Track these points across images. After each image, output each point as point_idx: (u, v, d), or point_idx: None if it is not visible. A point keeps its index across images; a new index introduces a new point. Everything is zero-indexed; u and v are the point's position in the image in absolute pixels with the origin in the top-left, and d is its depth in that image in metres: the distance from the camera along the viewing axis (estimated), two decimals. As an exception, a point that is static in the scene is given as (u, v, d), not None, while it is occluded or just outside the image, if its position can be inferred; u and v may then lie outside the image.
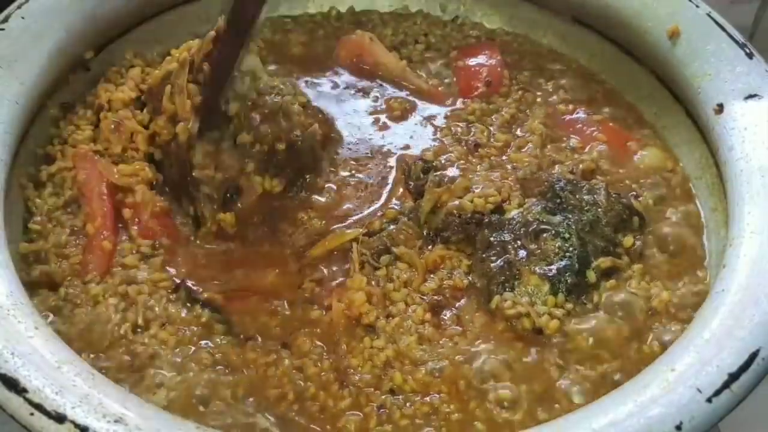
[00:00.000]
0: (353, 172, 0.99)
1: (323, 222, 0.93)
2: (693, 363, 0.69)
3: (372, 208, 0.95)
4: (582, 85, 1.09)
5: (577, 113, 1.05)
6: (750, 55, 0.93)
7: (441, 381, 0.79)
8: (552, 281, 0.83)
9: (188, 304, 0.84)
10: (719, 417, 0.67)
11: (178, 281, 0.86)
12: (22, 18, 0.94)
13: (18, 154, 0.89)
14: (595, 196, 0.89)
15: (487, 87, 1.07)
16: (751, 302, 0.73)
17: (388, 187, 0.97)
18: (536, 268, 0.84)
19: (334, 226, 0.93)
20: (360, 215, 0.94)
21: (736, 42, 0.95)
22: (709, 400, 0.67)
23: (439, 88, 1.09)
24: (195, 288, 0.85)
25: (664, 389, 0.68)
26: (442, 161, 0.98)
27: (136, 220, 0.91)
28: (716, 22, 0.97)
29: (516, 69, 1.11)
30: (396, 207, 0.94)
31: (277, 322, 0.84)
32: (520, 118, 1.04)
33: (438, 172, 0.94)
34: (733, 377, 0.68)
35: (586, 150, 1.00)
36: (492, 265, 0.85)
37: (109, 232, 0.89)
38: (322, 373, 0.79)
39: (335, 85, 1.10)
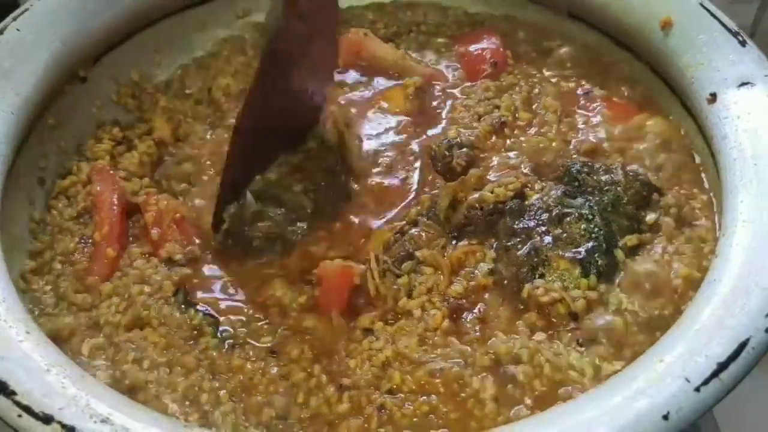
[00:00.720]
0: (379, 168, 0.98)
1: (362, 222, 0.93)
2: (682, 353, 0.69)
3: (408, 199, 0.94)
4: (583, 60, 1.08)
5: (582, 89, 1.04)
6: (743, 43, 0.92)
7: (441, 381, 0.78)
8: (582, 264, 0.82)
9: (182, 307, 0.85)
10: (707, 406, 0.66)
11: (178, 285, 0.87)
12: (18, 30, 0.95)
13: (15, 165, 0.91)
14: (612, 175, 0.89)
15: (493, 68, 1.07)
16: (742, 291, 0.72)
17: (417, 174, 0.97)
18: (564, 253, 0.83)
19: (375, 224, 0.92)
20: (396, 209, 0.94)
21: (729, 30, 0.94)
22: (697, 390, 0.66)
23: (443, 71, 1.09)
24: (191, 292, 0.86)
25: (652, 380, 0.67)
26: (468, 137, 0.96)
27: (156, 225, 0.92)
28: (709, 11, 0.96)
29: (516, 49, 1.10)
30: (429, 193, 0.93)
31: (267, 330, 0.84)
32: (533, 96, 1.04)
33: (464, 149, 0.93)
34: (722, 366, 0.67)
35: (594, 125, 0.99)
36: (518, 253, 0.84)
37: (114, 241, 0.90)
38: (312, 379, 0.79)
39: (340, 85, 1.09)
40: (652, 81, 1.01)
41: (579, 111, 1.02)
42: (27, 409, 0.65)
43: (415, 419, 0.76)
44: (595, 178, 0.89)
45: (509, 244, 0.86)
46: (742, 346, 0.68)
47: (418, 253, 0.87)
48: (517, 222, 0.87)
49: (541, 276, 0.83)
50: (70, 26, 0.99)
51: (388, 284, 0.85)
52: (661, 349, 0.71)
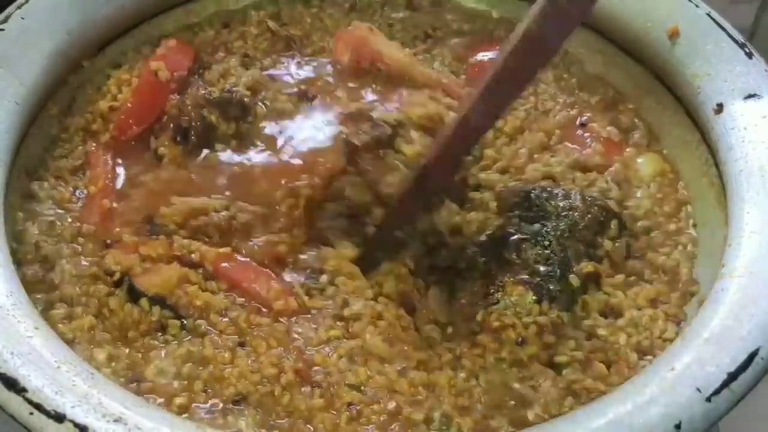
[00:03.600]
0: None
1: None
2: (692, 362, 0.70)
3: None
4: (589, 81, 1.07)
5: (581, 119, 1.02)
6: (749, 55, 0.93)
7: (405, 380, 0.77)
8: (535, 289, 0.82)
9: (131, 302, 0.81)
10: (719, 416, 0.67)
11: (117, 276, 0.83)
12: (22, 18, 0.94)
13: (18, 155, 0.89)
14: (570, 200, 0.89)
15: None
16: (750, 302, 0.73)
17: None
18: (518, 278, 0.83)
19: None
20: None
21: (736, 42, 0.95)
22: (708, 400, 0.67)
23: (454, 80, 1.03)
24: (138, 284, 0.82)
25: (664, 389, 0.68)
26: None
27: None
28: (716, 22, 0.97)
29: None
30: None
31: (227, 323, 0.81)
32: (524, 123, 1.01)
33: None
34: (733, 377, 0.68)
35: (584, 160, 0.97)
36: (473, 282, 0.85)
37: (110, 192, 0.91)
38: (284, 375, 0.77)
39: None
40: (656, 89, 1.02)
41: (572, 143, 0.99)
42: (38, 407, 0.64)
43: (383, 417, 0.75)
44: (553, 203, 0.88)
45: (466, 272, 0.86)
46: (752, 356, 0.69)
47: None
48: (473, 250, 0.86)
49: (496, 302, 0.82)
50: (75, 15, 0.98)
51: (319, 301, 0.84)
52: (671, 358, 0.71)
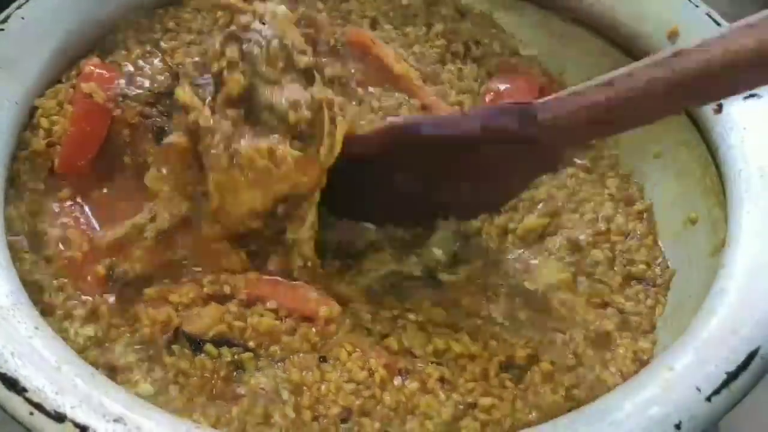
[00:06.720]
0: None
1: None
2: (692, 362, 0.70)
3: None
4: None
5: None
6: (749, 55, 0.93)
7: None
8: None
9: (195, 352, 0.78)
10: (719, 416, 0.67)
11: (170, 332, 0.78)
12: (22, 18, 0.93)
13: (17, 160, 0.89)
14: None
15: None
16: (750, 301, 0.74)
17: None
18: None
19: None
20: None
21: (736, 42, 0.95)
22: (708, 399, 0.67)
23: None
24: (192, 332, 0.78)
25: (663, 388, 0.68)
26: None
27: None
28: (716, 22, 0.97)
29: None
30: None
31: (299, 340, 0.79)
32: None
33: None
34: (732, 376, 0.68)
35: None
36: None
37: (99, 254, 0.84)
38: (374, 374, 0.76)
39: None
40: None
41: None
42: (39, 407, 0.64)
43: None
44: None
45: None
46: (752, 356, 0.69)
47: None
48: None
49: None
50: (76, 15, 0.98)
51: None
52: (671, 357, 0.71)
